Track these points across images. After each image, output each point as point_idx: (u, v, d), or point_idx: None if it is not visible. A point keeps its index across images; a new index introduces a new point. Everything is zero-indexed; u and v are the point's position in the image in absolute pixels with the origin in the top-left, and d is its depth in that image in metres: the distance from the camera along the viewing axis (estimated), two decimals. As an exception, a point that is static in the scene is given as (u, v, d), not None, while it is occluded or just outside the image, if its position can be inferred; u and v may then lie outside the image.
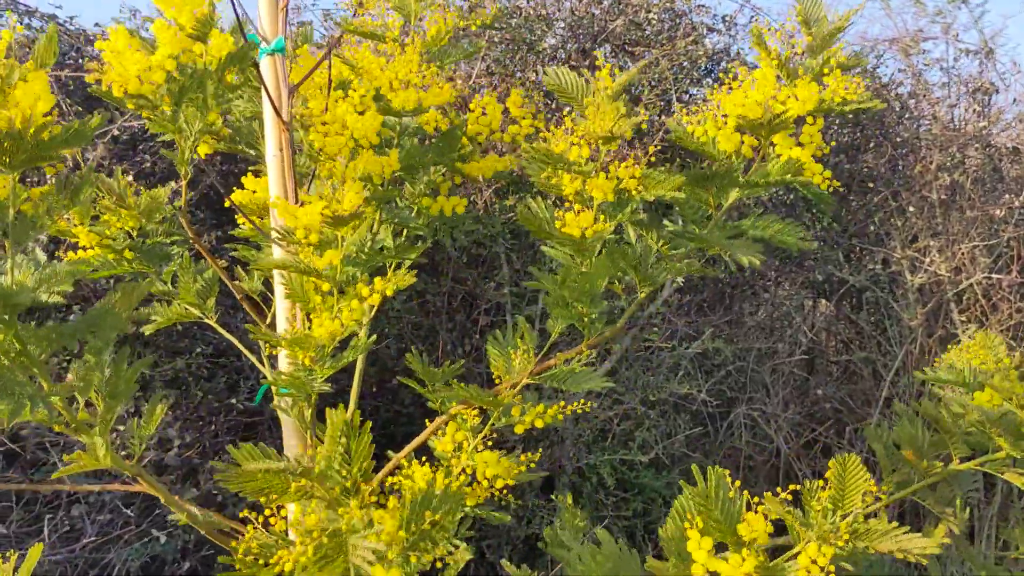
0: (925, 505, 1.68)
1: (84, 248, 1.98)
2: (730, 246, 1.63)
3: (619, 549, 1.49)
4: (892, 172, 7.13)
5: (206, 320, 2.13)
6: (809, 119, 1.70)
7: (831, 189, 1.76)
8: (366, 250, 1.74)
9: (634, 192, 1.65)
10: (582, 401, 1.72)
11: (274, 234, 1.68)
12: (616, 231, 1.78)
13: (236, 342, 1.98)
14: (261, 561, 1.42)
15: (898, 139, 7.06)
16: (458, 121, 1.94)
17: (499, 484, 1.69)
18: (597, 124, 1.63)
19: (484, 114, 1.94)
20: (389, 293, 1.58)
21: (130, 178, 3.79)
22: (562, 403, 1.72)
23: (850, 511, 1.49)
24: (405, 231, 1.94)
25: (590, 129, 1.63)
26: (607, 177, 1.66)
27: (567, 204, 1.71)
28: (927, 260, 7.11)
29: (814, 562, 1.41)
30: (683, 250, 1.75)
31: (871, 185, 7.12)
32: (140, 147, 4.63)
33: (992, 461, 1.61)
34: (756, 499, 1.48)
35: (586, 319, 1.70)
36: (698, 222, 1.70)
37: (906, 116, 7.24)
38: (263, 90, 1.72)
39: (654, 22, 6.47)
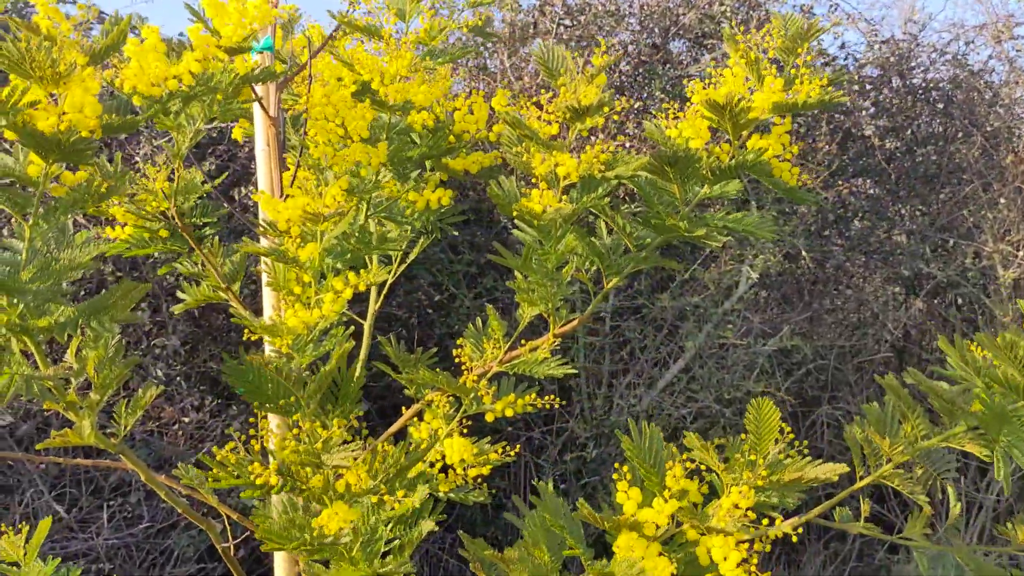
0: (892, 486, 1.66)
1: (121, 225, 2.04)
2: (694, 236, 1.63)
3: (557, 502, 1.54)
4: (983, 163, 6.85)
5: (230, 303, 2.18)
6: (777, 119, 1.71)
7: (803, 185, 1.75)
8: (352, 242, 1.79)
9: (596, 172, 1.67)
10: (551, 396, 1.74)
11: (260, 227, 1.75)
12: (591, 229, 1.81)
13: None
14: (235, 472, 1.50)
15: (989, 128, 6.78)
16: (444, 118, 1.97)
17: (472, 473, 1.72)
18: (567, 97, 1.65)
19: (471, 112, 1.98)
20: (362, 288, 1.63)
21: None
22: (532, 395, 1.74)
23: (767, 452, 1.51)
24: (399, 225, 1.99)
25: (559, 103, 1.66)
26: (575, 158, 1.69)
27: (533, 181, 1.74)
28: (1021, 254, 6.82)
29: (737, 506, 1.43)
30: (652, 241, 1.75)
31: (963, 176, 6.87)
32: (209, 150, 4.82)
33: (953, 435, 1.58)
34: (685, 455, 1.51)
35: (551, 306, 1.72)
36: (665, 214, 1.70)
37: (998, 104, 6.95)
38: (252, 88, 1.79)
39: (728, 14, 6.37)
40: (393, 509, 1.59)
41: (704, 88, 1.69)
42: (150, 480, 1.65)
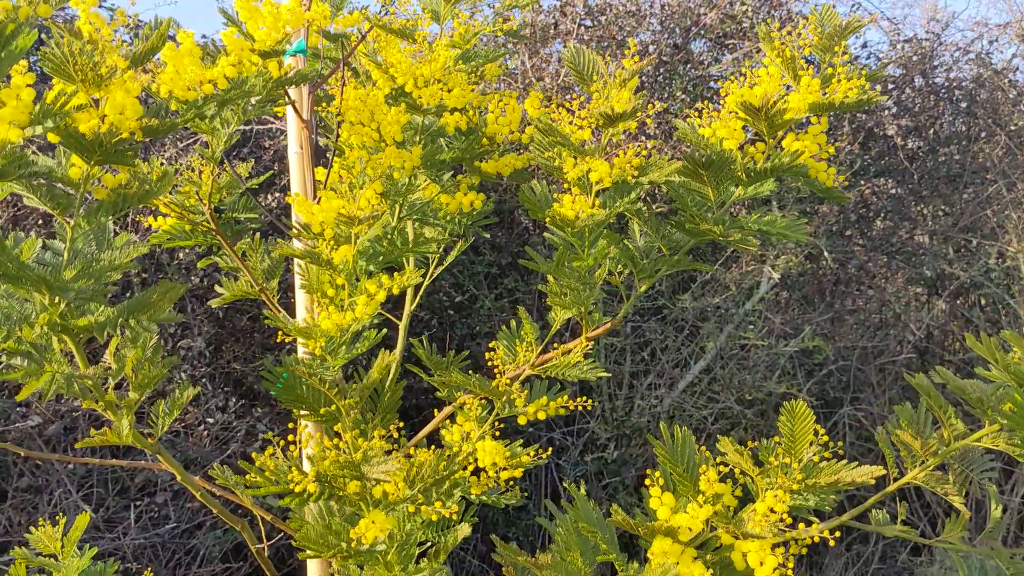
0: (928, 488, 1.65)
1: (164, 216, 2.04)
2: (729, 240, 1.63)
3: (588, 505, 1.53)
4: (1007, 162, 6.81)
5: (260, 304, 2.19)
6: (814, 119, 1.70)
7: (839, 184, 1.73)
8: (384, 244, 1.80)
9: (629, 177, 1.66)
10: (583, 399, 1.74)
11: (294, 229, 1.76)
12: (622, 229, 1.80)
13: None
14: (273, 478, 1.51)
15: (1013, 127, 6.74)
16: (477, 121, 1.97)
17: (504, 476, 1.72)
18: (599, 103, 1.65)
19: (503, 114, 1.98)
20: (395, 291, 1.63)
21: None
22: (564, 397, 1.74)
23: (801, 455, 1.50)
24: (433, 228, 1.99)
25: (592, 109, 1.66)
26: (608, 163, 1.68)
27: (565, 186, 1.74)
28: (1046, 254, 6.76)
29: (772, 510, 1.41)
30: (685, 244, 1.74)
31: (987, 176, 6.83)
32: (233, 153, 4.86)
33: (986, 435, 1.57)
34: (718, 458, 1.51)
35: (583, 309, 1.72)
36: (700, 218, 1.69)
37: (1022, 103, 6.90)
38: (285, 91, 1.80)
39: (750, 13, 6.34)
40: (430, 519, 1.60)
41: (739, 88, 1.68)
42: (185, 480, 1.66)
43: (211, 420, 4.40)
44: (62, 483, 4.01)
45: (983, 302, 7.05)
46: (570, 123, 1.70)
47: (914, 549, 6.40)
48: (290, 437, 1.54)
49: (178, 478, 1.65)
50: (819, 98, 1.64)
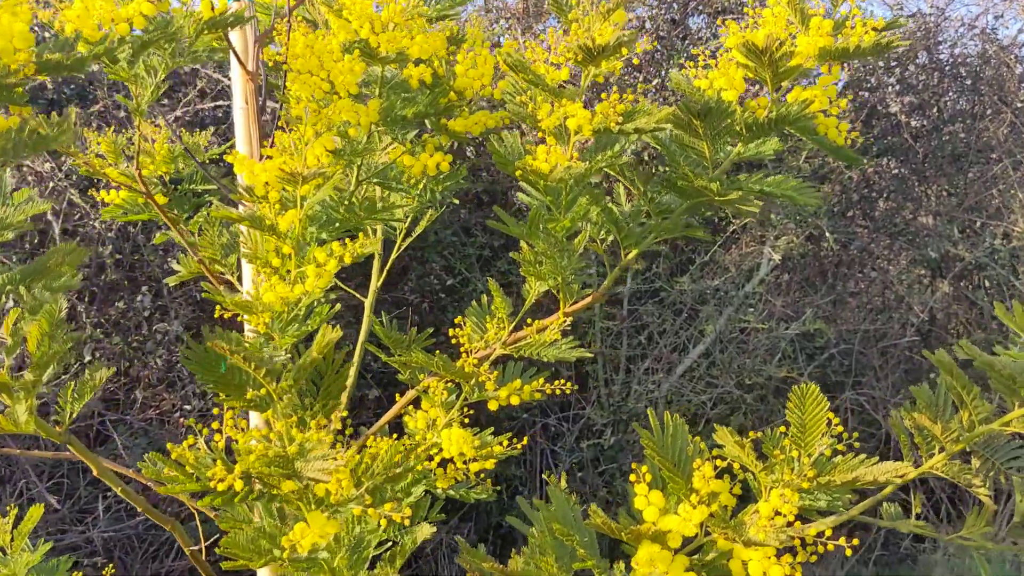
0: (948, 478, 1.46)
1: (116, 188, 1.92)
2: (727, 200, 1.42)
3: (566, 503, 1.33)
4: (1013, 140, 6.63)
5: (226, 276, 2.01)
6: (824, 68, 1.49)
7: (851, 144, 1.52)
8: (341, 211, 1.60)
9: (612, 125, 1.45)
10: (561, 382, 1.52)
11: (237, 192, 1.56)
12: (608, 193, 1.60)
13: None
14: (194, 475, 1.30)
15: (1019, 105, 6.55)
16: (444, 73, 1.77)
17: (475, 468, 1.51)
18: (578, 35, 1.43)
19: (474, 67, 1.77)
20: (348, 261, 1.43)
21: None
22: (540, 380, 1.54)
23: (812, 449, 1.29)
24: (397, 193, 1.79)
25: (570, 42, 1.44)
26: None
27: (541, 136, 1.53)
28: (1053, 234, 6.60)
29: (778, 512, 1.21)
30: (677, 208, 1.54)
31: (992, 155, 6.66)
32: (213, 131, 4.66)
33: (1016, 418, 1.38)
34: (715, 451, 1.30)
35: (560, 279, 1.52)
36: (694, 176, 1.48)
37: (1030, 79, 6.72)
38: (227, 40, 1.60)
39: (750, -15, 6.15)
40: (379, 525, 1.39)
41: (740, 31, 1.47)
42: (103, 474, 1.47)
43: (188, 407, 4.22)
44: (27, 473, 3.83)
45: (988, 284, 6.89)
46: (546, 61, 1.48)
47: (917, 536, 6.27)
48: (214, 424, 1.33)
49: (95, 471, 1.46)
50: (830, 42, 1.44)
